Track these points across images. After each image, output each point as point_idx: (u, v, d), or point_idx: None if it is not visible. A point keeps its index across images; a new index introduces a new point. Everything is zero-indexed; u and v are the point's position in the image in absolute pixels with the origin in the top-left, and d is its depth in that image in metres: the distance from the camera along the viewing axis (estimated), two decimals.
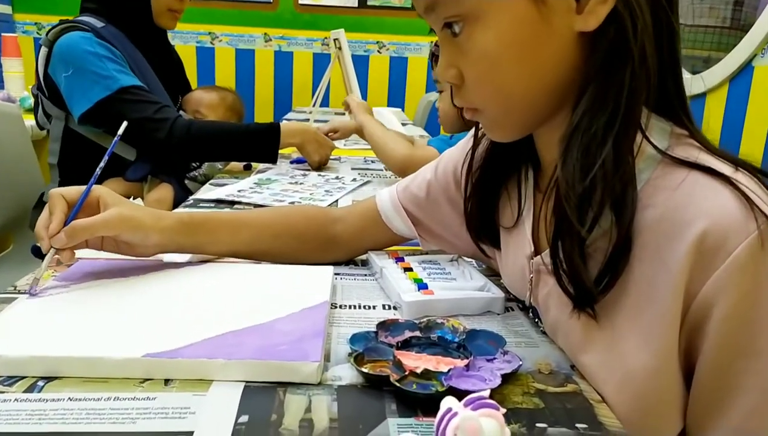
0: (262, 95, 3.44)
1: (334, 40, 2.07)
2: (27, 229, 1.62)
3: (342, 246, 0.80)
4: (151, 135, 1.35)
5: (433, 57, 1.77)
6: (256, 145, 1.40)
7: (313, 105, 2.37)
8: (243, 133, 1.41)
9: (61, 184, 1.51)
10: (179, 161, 1.51)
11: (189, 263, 0.75)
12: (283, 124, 1.46)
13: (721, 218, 0.46)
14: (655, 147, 0.51)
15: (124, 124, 0.74)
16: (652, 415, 0.51)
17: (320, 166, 1.51)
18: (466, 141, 0.73)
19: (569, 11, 0.50)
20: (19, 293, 0.68)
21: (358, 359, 0.53)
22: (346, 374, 0.53)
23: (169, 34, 1.63)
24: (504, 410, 0.38)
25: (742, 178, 0.48)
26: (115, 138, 0.72)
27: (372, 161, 1.66)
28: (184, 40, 3.29)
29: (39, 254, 1.37)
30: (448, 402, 0.38)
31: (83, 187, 0.68)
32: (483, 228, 0.68)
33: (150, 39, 1.50)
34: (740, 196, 0.46)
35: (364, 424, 0.46)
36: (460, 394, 0.48)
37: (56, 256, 0.66)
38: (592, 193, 0.49)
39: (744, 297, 0.46)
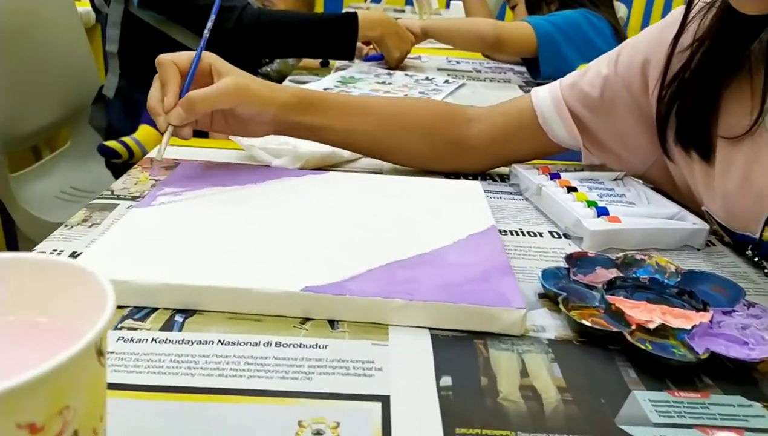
0: None
1: None
2: (85, 124, 1.51)
3: (477, 152, 0.67)
4: (218, 25, 1.20)
5: None
6: (332, 37, 1.24)
7: (368, 0, 2.16)
8: (318, 24, 1.24)
9: (122, 75, 1.38)
10: (249, 54, 1.36)
11: (306, 172, 0.63)
12: (361, 13, 1.28)
13: None
14: None
15: None
16: None
17: (398, 65, 1.35)
18: (664, 25, 0.57)
19: None
20: (118, 197, 0.57)
21: (567, 307, 0.42)
22: (548, 322, 0.42)
23: None
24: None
25: None
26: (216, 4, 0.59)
27: (457, 62, 1.49)
28: None
29: (106, 153, 1.27)
30: None
31: (192, 54, 0.56)
32: (695, 135, 0.54)
33: None
34: None
35: (605, 397, 0.35)
36: (721, 361, 0.37)
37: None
38: None
39: None
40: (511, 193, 0.65)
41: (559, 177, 0.64)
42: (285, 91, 0.60)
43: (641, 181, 0.66)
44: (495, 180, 0.69)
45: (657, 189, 0.65)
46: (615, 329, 0.39)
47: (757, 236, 0.50)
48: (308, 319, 0.40)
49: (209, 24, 0.58)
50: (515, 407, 0.34)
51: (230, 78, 0.56)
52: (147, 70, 1.47)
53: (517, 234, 0.56)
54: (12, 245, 1.71)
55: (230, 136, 0.71)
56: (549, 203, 0.59)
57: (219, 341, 0.37)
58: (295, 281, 0.40)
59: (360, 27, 1.24)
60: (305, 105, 0.60)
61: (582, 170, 0.67)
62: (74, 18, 1.57)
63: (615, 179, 0.65)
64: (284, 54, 1.37)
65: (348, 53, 1.26)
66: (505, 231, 0.56)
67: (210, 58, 0.58)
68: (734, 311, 0.43)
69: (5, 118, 1.28)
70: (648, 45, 0.58)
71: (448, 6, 2.16)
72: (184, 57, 0.57)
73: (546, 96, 0.64)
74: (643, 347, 0.38)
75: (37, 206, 1.35)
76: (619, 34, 1.31)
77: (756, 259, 0.52)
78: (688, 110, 0.54)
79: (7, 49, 1.28)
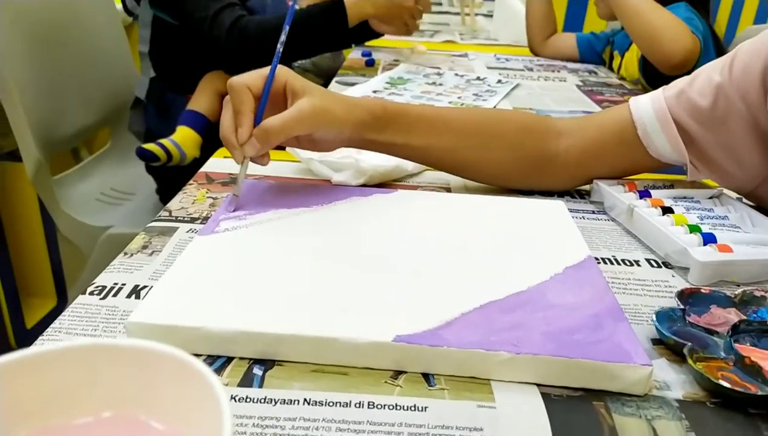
0: None
1: None
2: (125, 125, 1.49)
3: (566, 169, 0.61)
4: (212, 40, 1.16)
5: None
6: (321, 29, 1.17)
7: None
8: (305, 19, 1.17)
9: (153, 77, 1.35)
10: (248, 65, 1.32)
11: (374, 190, 0.58)
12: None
13: None
14: None
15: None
16: None
17: (410, 31, 1.28)
18: None
19: None
20: (176, 219, 0.54)
21: (696, 359, 0.37)
22: (671, 377, 0.37)
23: None
24: None
25: None
26: (289, 12, 0.54)
27: (506, 59, 1.43)
28: None
29: (145, 156, 1.24)
30: None
31: (264, 71, 0.51)
32: None
33: None
34: None
35: None
36: None
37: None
38: None
39: None
40: (594, 212, 0.60)
41: (649, 195, 0.58)
42: (361, 109, 0.55)
43: (739, 198, 0.60)
44: (574, 197, 0.64)
45: (757, 207, 0.59)
46: (760, 393, 0.34)
47: None
48: (400, 372, 0.36)
49: (282, 37, 0.53)
50: None
51: (306, 101, 0.51)
52: (177, 70, 1.42)
53: (611, 263, 0.50)
54: (53, 249, 1.71)
55: (287, 148, 0.67)
56: (644, 227, 0.54)
57: (305, 400, 0.33)
58: (385, 329, 0.36)
59: (348, 14, 1.17)
60: (383, 123, 0.56)
61: (672, 187, 0.61)
62: (114, 17, 1.55)
63: (711, 197, 0.60)
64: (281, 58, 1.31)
65: (341, 42, 1.20)
66: (597, 259, 0.51)
67: (284, 75, 0.53)
68: None
69: (46, 120, 1.26)
70: (767, 49, 0.52)
71: None
72: (257, 77, 0.52)
73: (648, 107, 0.57)
74: None
75: (77, 209, 1.33)
76: (716, 39, 1.19)
77: None
78: None
79: (46, 49, 1.27)
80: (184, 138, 1.25)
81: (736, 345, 0.38)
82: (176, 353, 0.19)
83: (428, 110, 0.60)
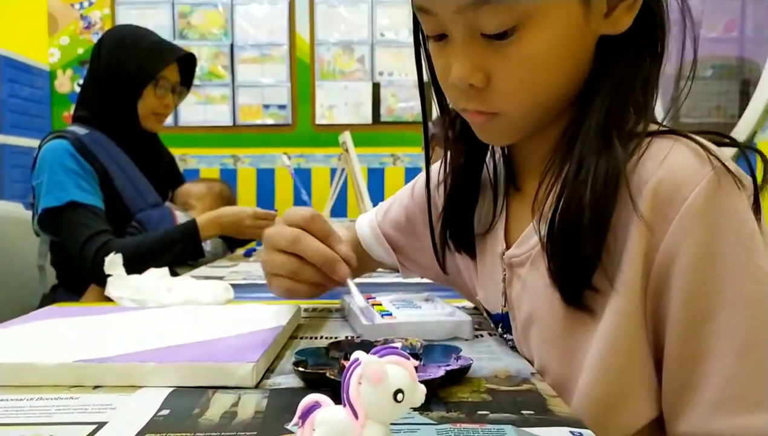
0: (283, 210, 3.54)
1: (342, 143, 2.17)
2: None
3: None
4: (80, 263, 1.38)
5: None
6: (179, 250, 1.43)
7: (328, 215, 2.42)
8: (161, 241, 1.42)
9: (57, 286, 1.53)
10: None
11: (157, 308, 0.74)
12: (200, 218, 1.47)
13: (676, 167, 0.45)
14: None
15: None
16: (621, 400, 0.46)
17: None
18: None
19: (600, 15, 0.50)
20: None
21: (300, 365, 0.50)
22: (287, 381, 0.50)
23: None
24: (417, 363, 0.35)
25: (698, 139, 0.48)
26: None
27: None
28: (209, 163, 3.47)
29: None
30: (356, 354, 0.36)
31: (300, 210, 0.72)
32: (463, 236, 0.66)
33: (137, 141, 1.54)
34: (695, 146, 0.46)
35: (291, 415, 0.42)
36: None
37: None
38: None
39: (704, 247, 0.44)
40: (337, 317, 0.76)
41: (374, 298, 0.75)
42: None
43: (444, 300, 0.76)
44: (331, 311, 0.80)
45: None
46: (322, 371, 0.48)
47: (501, 308, 0.60)
48: (79, 386, 0.49)
49: None
50: (209, 423, 0.41)
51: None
52: (79, 282, 1.55)
53: (317, 339, 0.65)
54: None
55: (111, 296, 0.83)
56: (352, 317, 0.70)
57: None
58: (69, 355, 0.50)
59: (201, 230, 1.44)
60: None
61: (402, 296, 0.78)
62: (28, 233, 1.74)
63: (426, 300, 0.76)
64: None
65: (198, 254, 1.47)
66: (306, 337, 0.65)
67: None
68: (448, 364, 0.51)
69: None
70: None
71: None
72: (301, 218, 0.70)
73: (365, 225, 0.78)
74: (336, 379, 0.46)
75: None
76: None
77: (504, 335, 0.61)
78: (456, 217, 0.66)
79: None
80: None
81: (343, 361, 0.52)
82: None
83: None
